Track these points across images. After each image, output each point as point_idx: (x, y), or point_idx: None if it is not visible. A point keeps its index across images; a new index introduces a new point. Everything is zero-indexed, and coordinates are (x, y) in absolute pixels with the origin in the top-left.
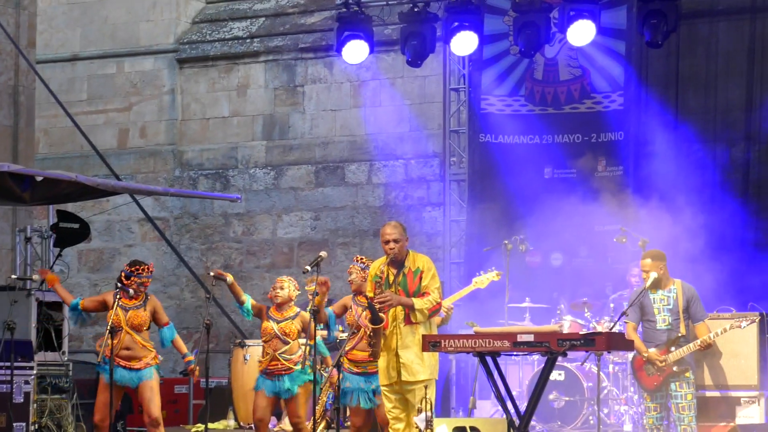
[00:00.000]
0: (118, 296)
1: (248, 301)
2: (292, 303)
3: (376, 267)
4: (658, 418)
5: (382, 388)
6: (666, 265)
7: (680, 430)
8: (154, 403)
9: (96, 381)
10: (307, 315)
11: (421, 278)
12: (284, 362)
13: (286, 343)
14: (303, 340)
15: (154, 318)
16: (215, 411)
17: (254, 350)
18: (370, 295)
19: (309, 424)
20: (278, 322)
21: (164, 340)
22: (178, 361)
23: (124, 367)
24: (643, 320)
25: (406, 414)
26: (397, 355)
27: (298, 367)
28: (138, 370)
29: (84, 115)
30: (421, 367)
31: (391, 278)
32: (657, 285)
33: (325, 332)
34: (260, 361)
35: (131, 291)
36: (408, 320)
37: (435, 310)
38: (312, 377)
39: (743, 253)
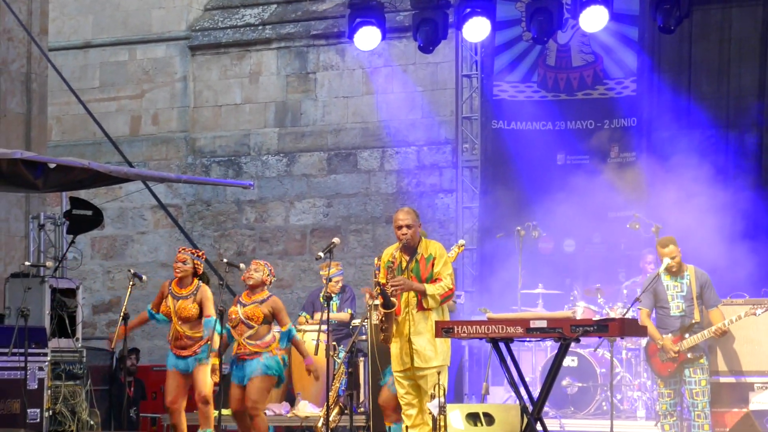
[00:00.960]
0: (131, 281)
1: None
2: (265, 287)
3: (388, 253)
4: (671, 404)
5: (395, 374)
6: (680, 252)
7: (694, 415)
8: (201, 382)
9: (109, 367)
10: (279, 302)
11: (433, 264)
12: (249, 347)
13: (251, 327)
14: (277, 328)
15: (200, 308)
16: (228, 397)
17: None
18: (382, 281)
19: (322, 410)
20: (244, 306)
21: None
22: None
23: (176, 355)
24: (657, 307)
25: (418, 400)
26: (409, 341)
27: (267, 351)
28: (185, 357)
29: (96, 103)
30: (433, 353)
31: (404, 264)
32: (671, 273)
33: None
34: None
35: (142, 275)
36: (420, 306)
37: (447, 296)
38: (279, 372)
39: (757, 239)
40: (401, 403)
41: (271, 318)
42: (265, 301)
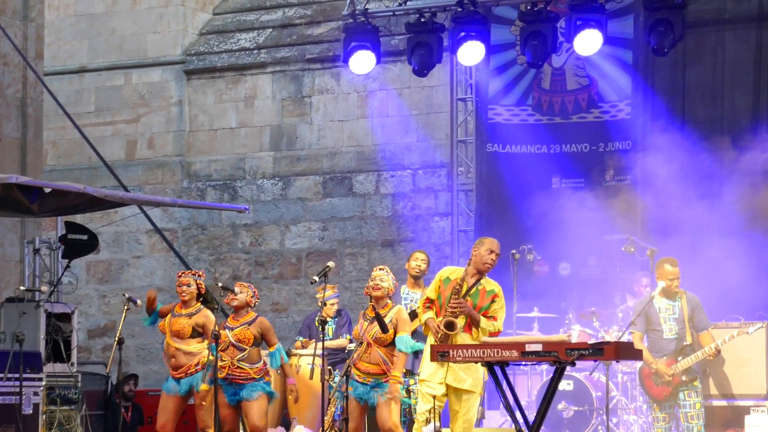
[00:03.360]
0: (126, 305)
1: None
2: (250, 309)
3: (452, 270)
4: (666, 428)
5: (424, 384)
6: None
7: None
8: (201, 410)
9: (104, 392)
10: (267, 322)
11: (493, 300)
12: (243, 369)
13: (242, 350)
14: (265, 352)
15: (201, 332)
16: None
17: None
18: (431, 294)
19: None
20: (232, 330)
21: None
22: None
23: (173, 377)
24: (649, 330)
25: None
26: None
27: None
28: (178, 379)
29: (92, 127)
30: (466, 376)
31: (464, 288)
32: (667, 294)
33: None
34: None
35: (137, 300)
36: (468, 329)
37: (493, 336)
38: (270, 390)
39: (751, 263)
40: (419, 419)
41: (260, 339)
42: (252, 322)
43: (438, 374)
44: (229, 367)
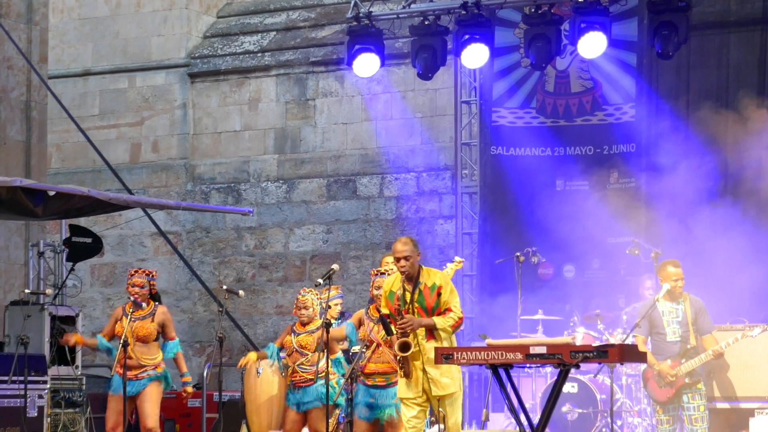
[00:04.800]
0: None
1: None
2: (316, 317)
3: (390, 283)
4: (670, 431)
5: (404, 400)
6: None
7: None
8: (146, 414)
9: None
10: (333, 331)
11: (439, 294)
12: (302, 374)
13: (304, 355)
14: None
15: (162, 331)
16: (228, 424)
17: (267, 363)
18: (384, 311)
19: None
20: (297, 335)
21: (167, 353)
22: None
23: (121, 378)
24: (653, 333)
25: (423, 424)
26: (424, 371)
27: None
28: (136, 380)
29: (96, 130)
30: (449, 380)
31: (407, 296)
32: (671, 297)
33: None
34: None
35: (131, 298)
36: (430, 336)
37: (458, 326)
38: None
39: (758, 264)
40: (407, 426)
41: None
42: (317, 330)
43: (416, 387)
44: (293, 372)
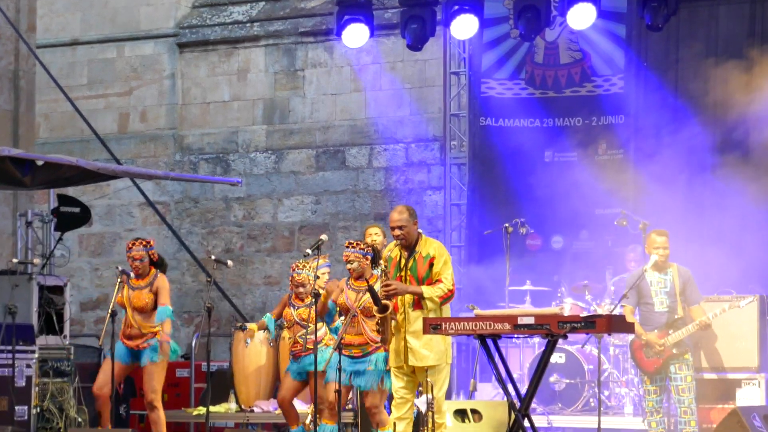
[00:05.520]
0: (119, 278)
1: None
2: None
3: (390, 248)
4: (657, 401)
5: (393, 369)
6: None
7: (680, 412)
8: (150, 388)
9: (97, 365)
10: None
11: (431, 264)
12: (302, 344)
13: (305, 327)
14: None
15: (155, 297)
16: (216, 394)
17: (260, 335)
18: (372, 281)
19: (310, 407)
20: (297, 308)
21: (156, 318)
22: (180, 344)
23: (124, 345)
24: (641, 303)
25: (412, 395)
26: (405, 339)
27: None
28: (131, 348)
29: (84, 100)
30: (428, 352)
31: (402, 262)
32: (657, 267)
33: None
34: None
35: (131, 272)
36: (417, 305)
37: (447, 298)
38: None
39: (744, 236)
40: (395, 396)
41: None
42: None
43: (399, 357)
44: (294, 342)
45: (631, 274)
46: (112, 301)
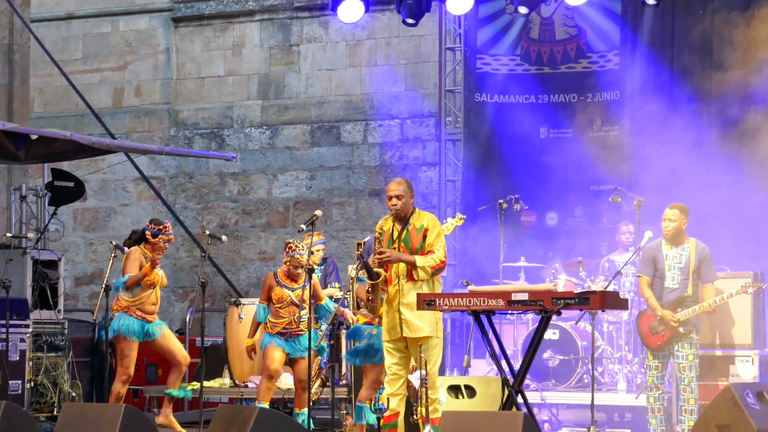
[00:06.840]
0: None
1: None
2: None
3: (383, 222)
4: (658, 377)
5: (385, 343)
6: (686, 222)
7: (681, 388)
8: (179, 348)
9: (91, 339)
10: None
11: (425, 236)
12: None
13: (302, 308)
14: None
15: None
16: (211, 369)
17: (249, 309)
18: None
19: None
20: (293, 291)
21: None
22: (174, 320)
23: (148, 322)
24: (654, 276)
25: (405, 371)
26: (399, 311)
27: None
28: (153, 323)
29: (79, 74)
30: (422, 323)
31: (395, 234)
32: (673, 241)
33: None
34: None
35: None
36: (410, 277)
37: (439, 269)
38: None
39: (739, 213)
40: (388, 372)
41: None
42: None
43: (393, 330)
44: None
45: (648, 245)
46: (106, 275)
